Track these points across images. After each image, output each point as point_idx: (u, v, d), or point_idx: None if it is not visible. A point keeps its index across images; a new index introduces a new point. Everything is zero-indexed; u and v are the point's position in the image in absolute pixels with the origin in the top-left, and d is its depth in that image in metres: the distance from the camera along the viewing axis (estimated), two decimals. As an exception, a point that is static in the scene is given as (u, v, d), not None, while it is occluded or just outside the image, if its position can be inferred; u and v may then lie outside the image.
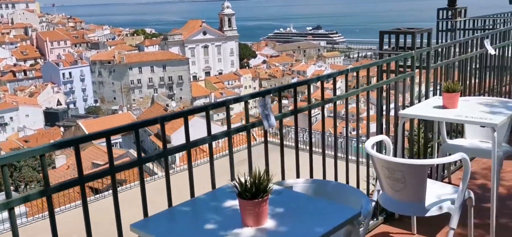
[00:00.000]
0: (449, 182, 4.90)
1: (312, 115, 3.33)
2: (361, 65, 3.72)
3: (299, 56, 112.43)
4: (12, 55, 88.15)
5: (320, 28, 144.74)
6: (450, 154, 4.60)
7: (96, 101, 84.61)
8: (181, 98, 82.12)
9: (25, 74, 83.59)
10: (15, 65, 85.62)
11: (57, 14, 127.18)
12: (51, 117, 66.90)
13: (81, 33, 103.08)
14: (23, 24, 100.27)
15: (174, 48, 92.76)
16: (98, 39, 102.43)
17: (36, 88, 78.04)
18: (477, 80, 5.60)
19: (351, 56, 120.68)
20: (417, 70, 4.39)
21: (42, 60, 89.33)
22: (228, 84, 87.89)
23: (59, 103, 78.50)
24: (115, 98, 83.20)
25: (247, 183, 2.12)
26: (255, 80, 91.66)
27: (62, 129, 56.76)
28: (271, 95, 3.10)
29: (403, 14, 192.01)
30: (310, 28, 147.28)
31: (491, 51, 5.25)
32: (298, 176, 3.21)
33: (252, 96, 3.05)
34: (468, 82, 5.30)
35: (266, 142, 3.07)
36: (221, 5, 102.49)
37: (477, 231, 3.71)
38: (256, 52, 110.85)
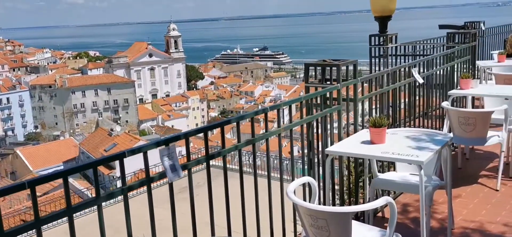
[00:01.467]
0: (382, 216, 4.75)
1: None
2: (282, 102, 3.48)
3: (246, 76, 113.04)
4: None
5: (266, 49, 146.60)
6: (381, 191, 4.51)
7: (36, 127, 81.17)
8: (127, 121, 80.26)
9: (-42, 101, 79.09)
10: None
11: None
12: (-14, 145, 63.48)
13: (20, 57, 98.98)
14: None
15: (119, 71, 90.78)
16: (38, 63, 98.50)
17: (-30, 116, 73.89)
18: (407, 107, 5.53)
19: (298, 76, 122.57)
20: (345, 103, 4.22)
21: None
22: (176, 106, 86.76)
23: (-5, 130, 74.71)
24: (57, 124, 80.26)
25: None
26: (203, 101, 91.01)
27: (-2, 158, 53.91)
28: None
29: (347, 35, 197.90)
30: (257, 49, 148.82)
31: (420, 80, 5.20)
32: (213, 233, 2.89)
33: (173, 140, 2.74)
34: (398, 105, 5.21)
35: (172, 199, 2.73)
36: (167, 27, 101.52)
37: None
38: (204, 74, 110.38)
